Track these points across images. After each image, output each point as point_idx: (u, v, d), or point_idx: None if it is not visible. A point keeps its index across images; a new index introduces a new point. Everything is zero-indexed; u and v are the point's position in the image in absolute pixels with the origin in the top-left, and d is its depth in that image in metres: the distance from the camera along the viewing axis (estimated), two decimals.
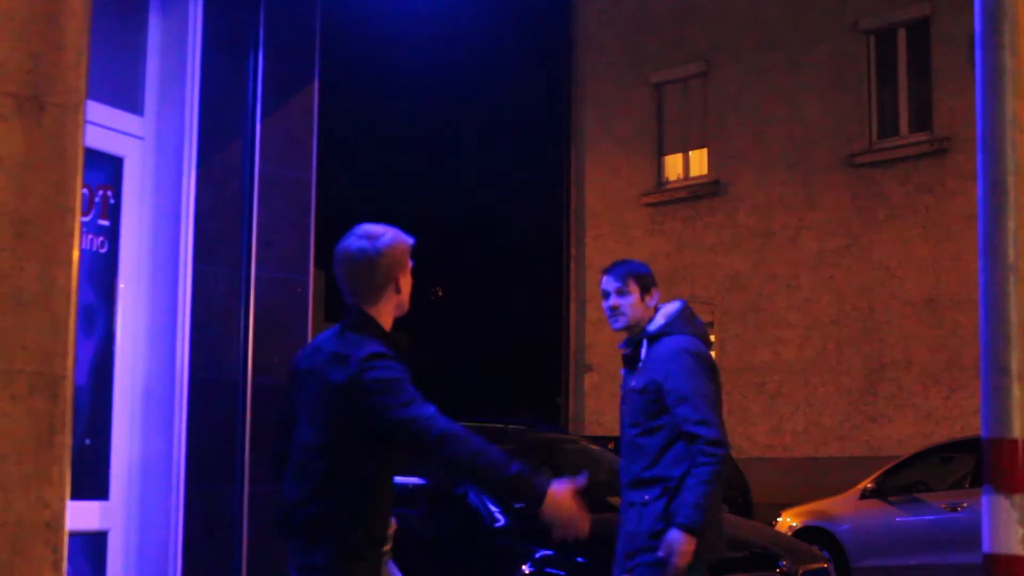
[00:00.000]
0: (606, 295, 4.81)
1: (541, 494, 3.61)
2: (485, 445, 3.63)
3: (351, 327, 3.90)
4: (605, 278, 4.83)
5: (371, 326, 3.88)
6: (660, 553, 4.46)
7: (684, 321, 4.75)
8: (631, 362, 4.80)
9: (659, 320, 4.75)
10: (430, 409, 3.66)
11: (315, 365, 3.86)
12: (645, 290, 4.78)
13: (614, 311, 4.77)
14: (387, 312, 3.94)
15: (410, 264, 4.01)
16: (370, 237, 3.93)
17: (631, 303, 4.75)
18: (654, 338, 4.73)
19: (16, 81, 2.13)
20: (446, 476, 3.72)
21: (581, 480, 3.70)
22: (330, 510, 3.78)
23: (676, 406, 4.57)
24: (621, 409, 4.88)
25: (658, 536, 4.50)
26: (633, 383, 4.74)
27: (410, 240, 4.03)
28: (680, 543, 4.43)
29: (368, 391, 3.69)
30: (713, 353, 20.65)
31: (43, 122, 2.15)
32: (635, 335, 4.78)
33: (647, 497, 4.57)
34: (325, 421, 3.81)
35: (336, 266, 3.95)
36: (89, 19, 2.25)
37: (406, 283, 3.97)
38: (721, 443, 4.55)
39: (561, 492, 3.63)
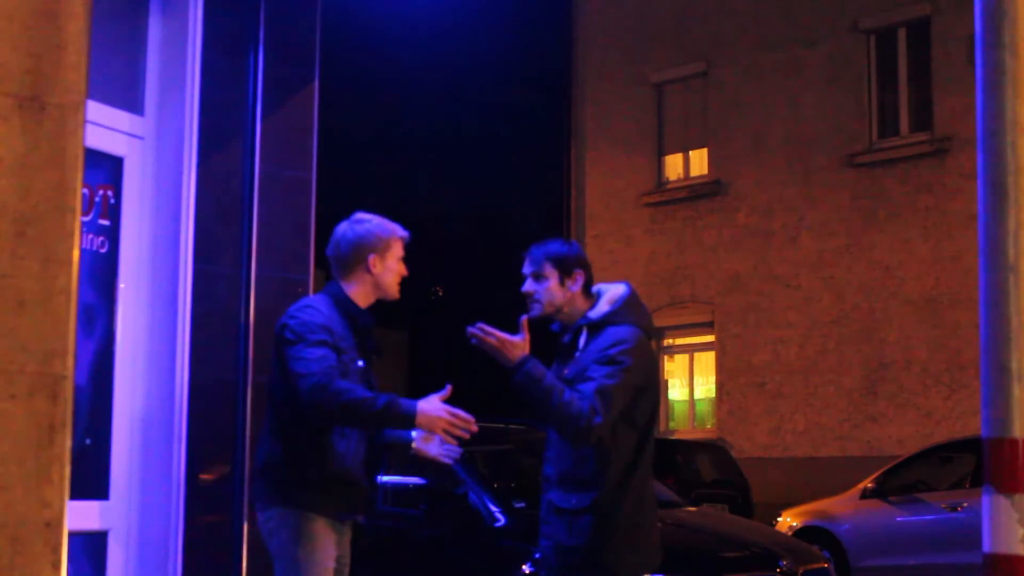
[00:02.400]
0: (524, 280, 4.35)
1: (411, 415, 3.99)
2: (350, 388, 3.97)
3: (328, 284, 4.34)
4: (525, 260, 4.37)
5: (331, 289, 4.30)
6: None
7: (630, 309, 4.27)
8: (567, 352, 4.30)
9: (603, 307, 4.27)
10: (316, 367, 4.00)
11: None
12: (565, 273, 4.28)
13: (528, 298, 4.31)
14: (359, 291, 4.31)
15: (397, 253, 4.36)
16: (356, 221, 4.37)
17: (547, 288, 4.27)
18: (596, 327, 4.24)
19: (16, 81, 2.13)
20: (320, 421, 4.11)
21: (445, 390, 4.07)
22: (274, 452, 4.18)
23: (582, 383, 4.07)
24: None
25: (597, 554, 4.13)
26: (566, 372, 4.23)
27: (400, 232, 4.39)
28: (508, 345, 4.05)
29: (283, 339, 4.14)
30: (712, 353, 20.38)
31: (43, 122, 2.15)
32: (570, 322, 4.31)
33: (575, 501, 4.16)
34: (272, 368, 4.29)
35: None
36: (89, 19, 2.25)
37: (384, 269, 4.31)
38: (589, 433, 4.01)
39: (428, 404, 4.01)
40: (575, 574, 4.21)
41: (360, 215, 4.39)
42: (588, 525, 4.14)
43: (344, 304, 4.25)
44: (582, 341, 4.27)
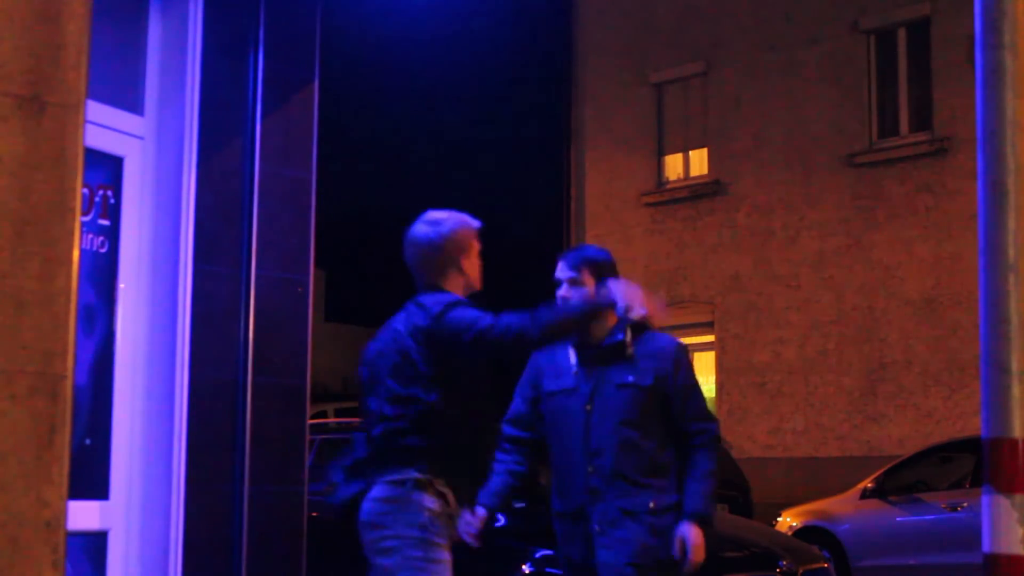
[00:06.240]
0: (559, 284, 4.43)
1: (610, 301, 4.00)
2: (548, 312, 3.92)
3: (424, 290, 4.17)
4: (559, 265, 4.44)
5: (442, 290, 4.17)
6: (675, 551, 4.25)
7: None
8: (617, 353, 4.39)
9: None
10: (504, 319, 3.92)
11: (387, 334, 4.15)
12: (600, 280, 4.36)
13: (565, 303, 4.36)
14: (454, 293, 4.19)
15: (476, 246, 4.30)
16: (433, 223, 4.24)
17: (585, 295, 4.33)
18: (637, 329, 4.37)
19: (16, 81, 2.13)
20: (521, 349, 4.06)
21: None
22: (429, 440, 4.00)
23: (687, 400, 4.39)
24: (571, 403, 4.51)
25: (663, 553, 4.33)
26: (629, 378, 4.35)
27: (475, 224, 4.32)
28: (696, 536, 4.24)
29: (451, 330, 3.95)
30: (712, 353, 20.36)
31: (43, 122, 2.15)
32: (599, 333, 4.39)
33: (652, 504, 4.29)
34: (412, 367, 4.02)
35: (405, 250, 4.23)
36: (89, 19, 2.25)
37: (471, 265, 4.26)
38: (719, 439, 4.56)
39: (618, 285, 4.04)
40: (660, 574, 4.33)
41: (435, 215, 4.27)
42: (666, 526, 4.31)
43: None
44: (631, 344, 4.39)
